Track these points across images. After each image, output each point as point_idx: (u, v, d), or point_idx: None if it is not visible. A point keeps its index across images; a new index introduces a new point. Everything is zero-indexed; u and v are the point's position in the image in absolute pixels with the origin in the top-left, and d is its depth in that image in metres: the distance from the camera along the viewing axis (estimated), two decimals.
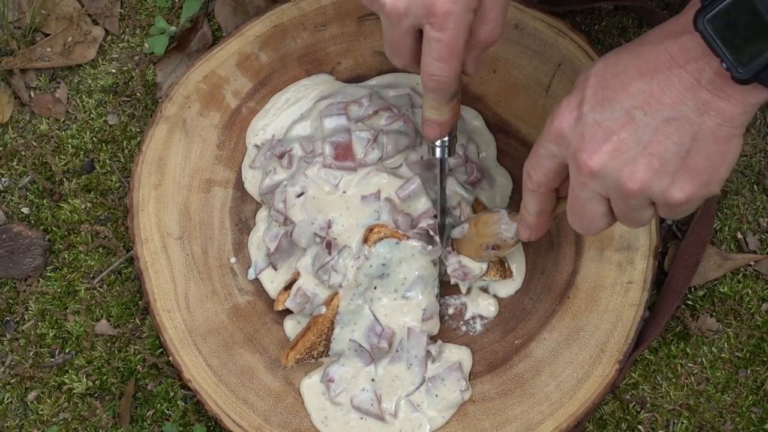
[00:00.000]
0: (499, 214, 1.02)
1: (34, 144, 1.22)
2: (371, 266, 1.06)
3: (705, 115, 0.74)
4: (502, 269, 1.10)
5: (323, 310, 1.06)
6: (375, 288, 1.06)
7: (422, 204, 1.07)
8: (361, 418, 1.07)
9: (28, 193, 1.21)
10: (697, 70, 0.74)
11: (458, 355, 1.10)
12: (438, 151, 1.00)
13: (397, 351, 1.07)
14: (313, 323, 1.06)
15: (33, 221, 1.20)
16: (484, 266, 1.08)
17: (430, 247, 1.06)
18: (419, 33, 0.86)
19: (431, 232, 1.06)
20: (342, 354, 1.07)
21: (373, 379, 1.07)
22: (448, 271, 1.08)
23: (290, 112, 1.15)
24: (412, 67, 0.91)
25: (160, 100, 1.20)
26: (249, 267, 1.13)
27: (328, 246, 1.06)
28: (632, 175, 0.77)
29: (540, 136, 0.84)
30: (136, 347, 1.16)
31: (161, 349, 1.16)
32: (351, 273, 1.05)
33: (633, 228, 0.97)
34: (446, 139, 0.98)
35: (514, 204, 1.14)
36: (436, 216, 1.07)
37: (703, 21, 0.72)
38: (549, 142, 0.82)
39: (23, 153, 1.22)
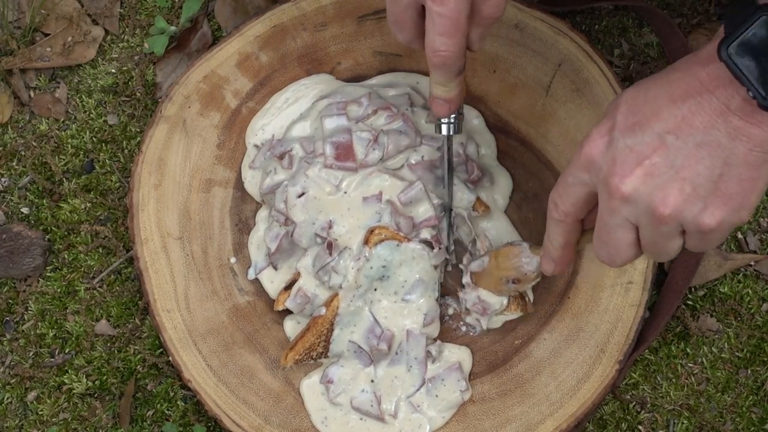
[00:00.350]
0: (521, 247, 1.01)
1: (34, 144, 1.22)
2: (371, 268, 1.06)
3: (736, 140, 0.75)
4: (522, 303, 1.09)
5: (323, 311, 1.06)
6: (375, 290, 1.06)
7: (424, 210, 1.07)
8: (361, 419, 1.07)
9: (27, 193, 1.21)
10: (726, 96, 0.74)
11: (458, 355, 1.09)
12: (444, 128, 0.99)
13: (397, 353, 1.07)
14: (313, 324, 1.06)
15: (33, 221, 1.20)
16: (504, 300, 1.08)
17: (435, 249, 1.06)
18: (422, 8, 0.86)
19: (433, 243, 1.06)
20: (341, 355, 1.07)
21: (372, 380, 1.07)
22: (467, 306, 1.08)
23: (290, 112, 1.15)
24: (417, 43, 0.91)
25: (160, 100, 1.20)
26: (249, 267, 1.13)
27: (329, 247, 1.06)
28: (665, 200, 0.77)
29: (568, 165, 0.83)
30: (136, 347, 1.16)
31: (161, 349, 1.16)
32: (351, 274, 1.05)
33: (658, 261, 0.94)
34: (453, 116, 0.98)
35: (513, 204, 1.14)
36: (435, 226, 1.07)
37: (726, 50, 0.73)
38: (579, 169, 0.82)
39: (23, 153, 1.22)
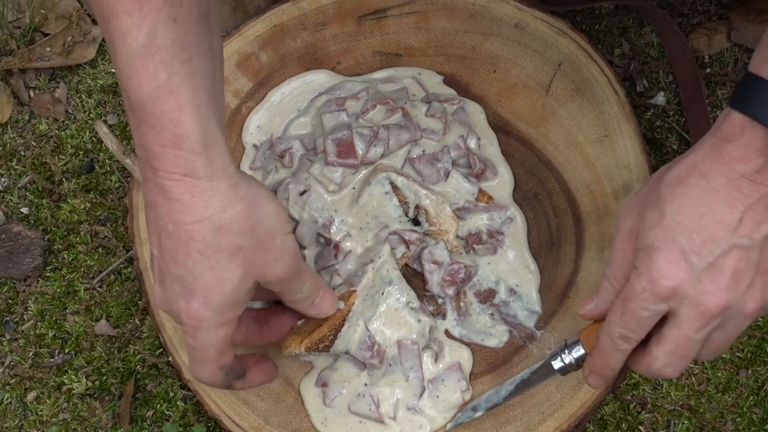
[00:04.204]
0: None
1: (34, 144, 1.22)
2: (387, 270, 1.05)
3: None
4: None
5: (342, 305, 1.04)
6: (382, 294, 1.05)
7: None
8: (361, 422, 1.07)
9: (27, 193, 1.21)
10: None
11: (458, 355, 1.09)
12: None
13: (390, 365, 1.06)
14: (333, 315, 1.03)
15: (32, 221, 1.20)
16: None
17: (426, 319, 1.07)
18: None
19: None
20: (337, 357, 1.07)
21: (366, 384, 1.06)
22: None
23: (287, 110, 1.15)
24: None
25: None
26: None
27: (336, 248, 1.06)
28: (754, 296, 0.81)
29: (635, 301, 0.83)
30: (135, 347, 1.16)
31: (161, 349, 1.16)
32: (370, 274, 1.04)
33: (711, 358, 0.96)
34: None
35: (513, 204, 1.13)
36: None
37: None
38: (655, 302, 0.82)
39: (23, 153, 1.22)
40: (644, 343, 0.87)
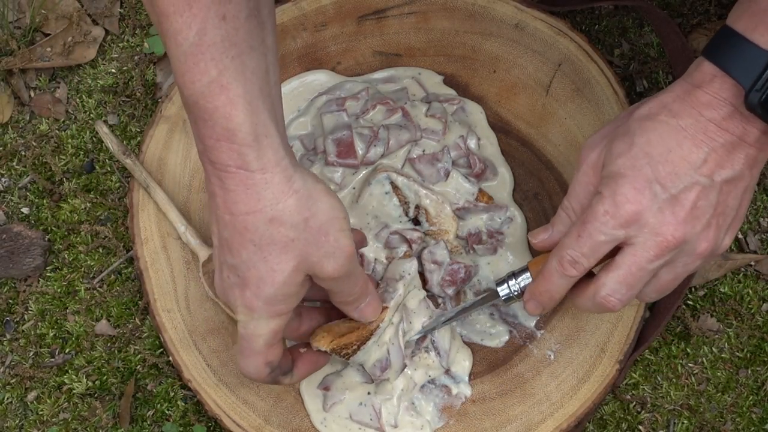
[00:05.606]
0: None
1: (34, 144, 1.22)
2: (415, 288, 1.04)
3: (753, 168, 0.84)
4: None
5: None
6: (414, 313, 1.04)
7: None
8: (360, 429, 1.07)
9: (28, 193, 1.21)
10: (741, 131, 0.82)
11: (459, 355, 1.09)
12: None
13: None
14: (363, 327, 0.99)
15: (33, 221, 1.20)
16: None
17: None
18: None
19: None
20: (346, 365, 1.06)
21: (369, 393, 1.06)
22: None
23: (287, 110, 1.15)
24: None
25: (160, 100, 1.20)
26: None
27: (360, 257, 1.06)
28: (707, 236, 0.85)
29: (589, 223, 0.86)
30: (136, 347, 1.16)
31: (161, 349, 1.16)
32: (401, 291, 1.01)
33: (652, 300, 0.98)
34: None
35: (513, 204, 1.14)
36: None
37: (755, 102, 0.80)
38: (615, 227, 0.85)
39: (23, 153, 1.22)
40: (585, 280, 0.89)
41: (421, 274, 1.08)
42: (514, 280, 0.96)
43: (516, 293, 0.96)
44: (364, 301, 0.95)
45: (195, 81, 0.79)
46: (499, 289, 0.97)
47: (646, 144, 0.84)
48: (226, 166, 0.81)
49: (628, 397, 1.14)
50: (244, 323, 0.87)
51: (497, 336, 1.10)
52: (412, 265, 1.02)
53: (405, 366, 1.03)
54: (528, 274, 0.95)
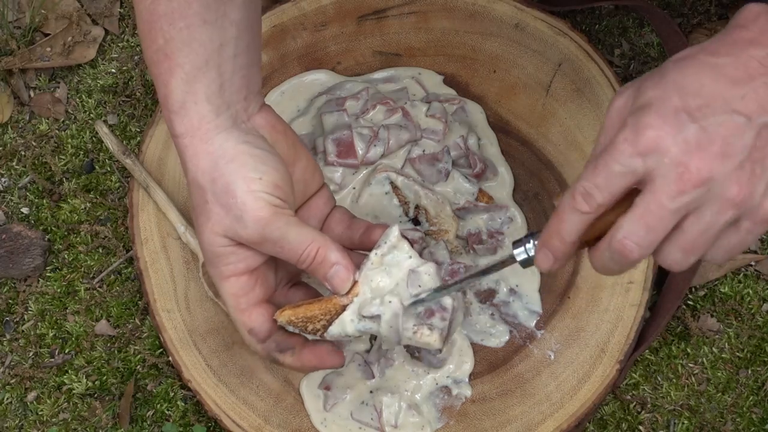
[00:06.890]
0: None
1: (34, 144, 1.22)
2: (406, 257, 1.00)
3: None
4: None
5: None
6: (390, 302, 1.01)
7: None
8: (360, 428, 1.07)
9: (27, 193, 1.21)
10: None
11: (459, 355, 1.09)
12: None
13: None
14: (326, 300, 0.91)
15: (33, 221, 1.20)
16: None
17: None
18: None
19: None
20: (349, 365, 1.05)
21: (371, 392, 1.06)
22: None
23: (287, 109, 1.15)
24: None
25: None
26: None
27: None
28: (739, 179, 0.73)
29: (608, 153, 0.75)
30: (136, 347, 1.16)
31: (161, 349, 1.16)
32: (372, 258, 0.96)
33: (676, 261, 0.80)
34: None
35: (513, 204, 1.14)
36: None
37: None
38: (632, 156, 0.74)
39: (23, 153, 1.22)
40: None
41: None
42: (531, 242, 0.85)
43: (533, 257, 0.85)
44: (328, 270, 0.89)
45: (147, 48, 0.84)
46: (515, 252, 0.86)
47: (679, 76, 0.75)
48: (169, 132, 0.86)
49: (629, 397, 1.14)
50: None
51: (497, 336, 1.10)
52: (389, 231, 0.93)
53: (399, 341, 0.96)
54: None
